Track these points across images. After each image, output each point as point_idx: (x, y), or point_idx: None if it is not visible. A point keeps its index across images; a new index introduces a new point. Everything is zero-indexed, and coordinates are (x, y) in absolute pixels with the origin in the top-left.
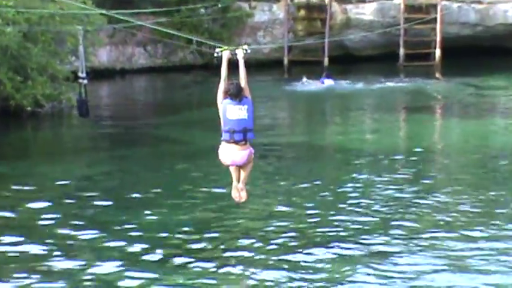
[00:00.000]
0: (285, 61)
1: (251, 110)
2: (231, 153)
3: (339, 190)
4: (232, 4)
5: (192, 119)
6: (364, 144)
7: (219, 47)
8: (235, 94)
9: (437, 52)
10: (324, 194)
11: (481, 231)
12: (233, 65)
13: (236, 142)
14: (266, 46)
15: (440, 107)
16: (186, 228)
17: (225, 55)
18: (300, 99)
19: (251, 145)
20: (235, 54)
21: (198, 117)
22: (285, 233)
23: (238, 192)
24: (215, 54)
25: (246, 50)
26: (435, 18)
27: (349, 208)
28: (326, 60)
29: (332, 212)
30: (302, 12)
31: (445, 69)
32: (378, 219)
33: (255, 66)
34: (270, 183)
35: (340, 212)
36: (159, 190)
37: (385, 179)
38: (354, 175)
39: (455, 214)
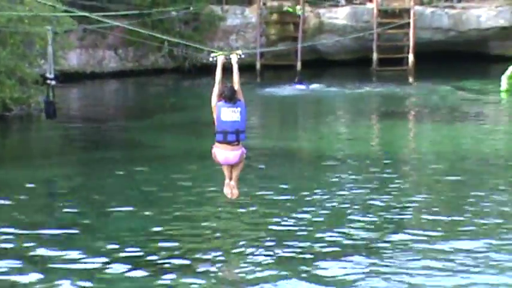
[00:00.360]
0: (258, 65)
1: (244, 113)
2: (224, 153)
3: (310, 195)
4: (204, 7)
5: (163, 123)
6: (336, 149)
7: (214, 52)
8: (229, 97)
9: (410, 57)
10: (295, 198)
11: (450, 235)
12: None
13: (229, 143)
14: (257, 51)
15: (413, 111)
16: (152, 232)
17: (220, 60)
18: (272, 103)
19: (243, 145)
20: (230, 59)
21: (170, 121)
22: (253, 238)
23: (231, 189)
24: (210, 59)
25: (240, 55)
26: (408, 23)
27: (320, 212)
28: (299, 65)
29: (303, 216)
30: (275, 16)
31: (418, 74)
32: (349, 223)
33: (227, 70)
34: (240, 188)
35: (311, 217)
36: (126, 194)
37: (357, 183)
38: (326, 180)
39: (426, 217)
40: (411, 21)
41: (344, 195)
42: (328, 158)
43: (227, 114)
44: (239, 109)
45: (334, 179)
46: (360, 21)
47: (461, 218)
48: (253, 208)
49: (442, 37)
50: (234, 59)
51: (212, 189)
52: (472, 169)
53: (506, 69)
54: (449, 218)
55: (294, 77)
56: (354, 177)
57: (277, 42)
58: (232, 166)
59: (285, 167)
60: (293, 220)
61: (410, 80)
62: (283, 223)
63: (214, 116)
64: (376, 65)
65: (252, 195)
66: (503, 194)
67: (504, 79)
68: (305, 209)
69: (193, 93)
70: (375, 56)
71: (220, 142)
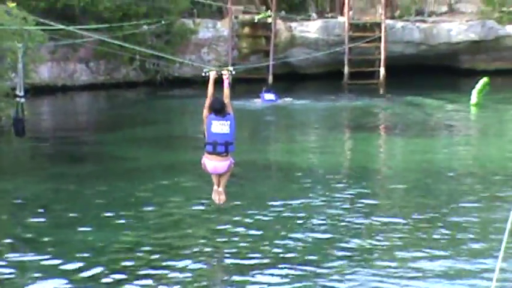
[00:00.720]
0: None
1: (233, 125)
2: (213, 164)
3: (281, 210)
4: (176, 21)
5: (134, 136)
6: (308, 163)
7: (206, 68)
8: (219, 110)
9: (382, 70)
10: (265, 213)
11: (421, 250)
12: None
13: (218, 154)
14: (252, 65)
15: (384, 125)
16: (120, 247)
17: (212, 75)
18: (243, 116)
19: (232, 156)
20: (221, 74)
21: (142, 134)
22: (221, 252)
23: (218, 195)
24: (203, 74)
25: (231, 72)
26: (379, 37)
27: (290, 227)
28: (270, 78)
29: (271, 233)
30: (246, 30)
31: (389, 87)
32: (319, 239)
33: (201, 83)
34: (208, 201)
35: (280, 231)
36: (96, 208)
37: (328, 198)
38: (297, 194)
39: (395, 234)
40: (382, 35)
41: (313, 209)
42: (298, 172)
43: (217, 126)
44: (228, 122)
45: (303, 193)
46: (331, 34)
47: (432, 234)
48: (225, 226)
49: (413, 51)
50: (226, 75)
51: (183, 202)
52: (443, 183)
53: (477, 83)
54: (419, 234)
55: (267, 89)
56: (323, 191)
57: (249, 56)
58: (220, 175)
59: (256, 181)
60: (262, 232)
61: (382, 93)
62: (251, 235)
63: (205, 127)
64: (347, 79)
65: (222, 209)
66: (473, 208)
67: (474, 93)
68: (274, 222)
69: (166, 107)
70: (346, 69)
71: (210, 153)
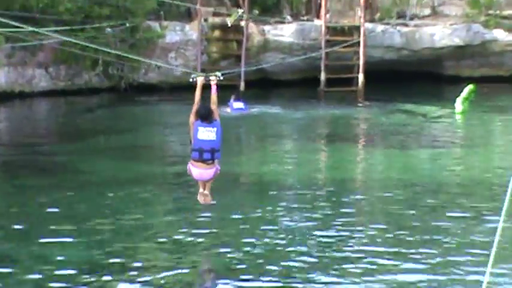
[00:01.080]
0: None
1: (219, 132)
2: (199, 171)
3: (254, 223)
4: (141, 23)
5: (96, 147)
6: (282, 175)
7: (193, 73)
8: (205, 116)
9: (360, 77)
10: (237, 227)
11: (401, 268)
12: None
13: (204, 161)
14: (237, 71)
15: (363, 135)
16: (82, 262)
17: (200, 80)
18: None
19: (218, 163)
20: (209, 80)
21: (104, 144)
22: (179, 265)
23: (204, 197)
24: (190, 80)
25: (219, 77)
26: (358, 41)
27: (264, 241)
28: (242, 85)
29: (248, 248)
30: (217, 33)
31: (368, 95)
32: (292, 253)
33: (168, 90)
34: (175, 214)
35: (254, 246)
36: (54, 222)
37: (301, 212)
38: (270, 208)
39: (373, 248)
40: (361, 39)
41: (287, 223)
42: (271, 185)
43: (203, 133)
44: (215, 129)
45: (276, 207)
46: (307, 38)
47: (411, 250)
48: (191, 238)
49: (393, 56)
50: (214, 80)
51: (147, 215)
52: (425, 197)
53: (462, 90)
54: (396, 249)
55: (237, 97)
56: (297, 205)
57: (219, 61)
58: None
59: (226, 195)
60: (226, 245)
61: (360, 101)
62: (226, 254)
63: (191, 134)
64: (324, 86)
65: (189, 222)
66: (457, 222)
67: (459, 101)
68: (237, 235)
69: (130, 114)
70: (323, 75)
71: (195, 160)
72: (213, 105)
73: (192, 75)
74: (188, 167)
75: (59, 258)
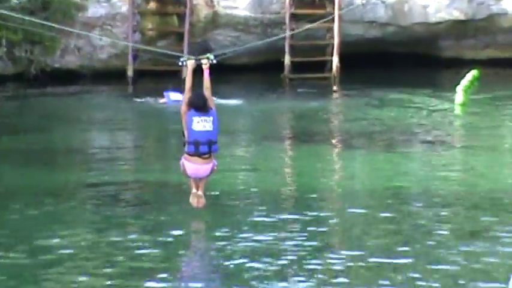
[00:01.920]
0: (129, 71)
1: (216, 122)
2: (194, 166)
3: (214, 237)
4: None
5: None
6: (237, 183)
7: (182, 56)
8: (202, 106)
9: (335, 60)
10: (179, 248)
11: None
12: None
13: (200, 155)
14: (238, 49)
15: (340, 134)
16: None
17: (190, 65)
18: (150, 121)
19: (215, 157)
20: (201, 63)
21: (8, 146)
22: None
23: (197, 198)
24: (179, 64)
25: (212, 60)
26: (332, 16)
27: (214, 261)
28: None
29: (214, 262)
30: (152, 5)
31: (345, 83)
32: (251, 273)
33: (91, 77)
34: (102, 234)
35: (220, 259)
36: None
37: (263, 226)
38: (223, 222)
39: (351, 263)
40: (336, 12)
41: (246, 239)
42: (225, 194)
43: (199, 123)
44: (211, 118)
45: (233, 220)
46: (267, 12)
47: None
48: (129, 265)
49: (377, 34)
50: (205, 63)
51: (66, 237)
52: (417, 207)
53: (463, 77)
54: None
55: (178, 86)
56: (259, 218)
57: (156, 40)
58: (200, 178)
59: (174, 206)
60: (205, 265)
61: (335, 90)
62: (163, 278)
63: (184, 125)
64: (289, 71)
65: (123, 246)
66: (453, 239)
67: (460, 90)
68: (217, 253)
69: (42, 109)
70: (287, 59)
71: (191, 154)
72: (207, 91)
73: (181, 59)
74: (181, 163)
75: None
